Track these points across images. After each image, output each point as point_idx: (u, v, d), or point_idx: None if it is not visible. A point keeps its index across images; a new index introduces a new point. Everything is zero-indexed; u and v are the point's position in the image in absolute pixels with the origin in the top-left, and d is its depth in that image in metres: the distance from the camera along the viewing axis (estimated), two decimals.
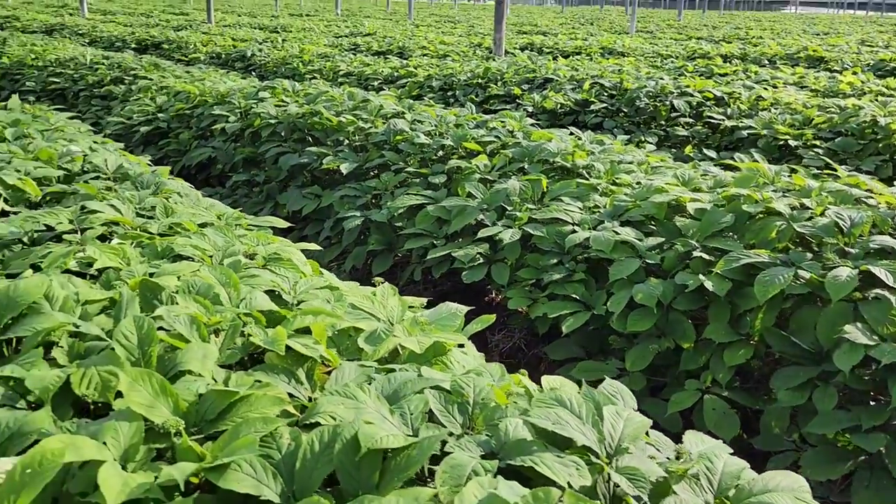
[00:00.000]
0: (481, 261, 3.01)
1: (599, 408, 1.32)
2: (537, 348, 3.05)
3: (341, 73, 8.38)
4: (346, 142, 4.29)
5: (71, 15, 21.33)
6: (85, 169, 3.08)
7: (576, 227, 2.89)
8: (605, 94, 5.90)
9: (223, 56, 10.42)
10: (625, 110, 5.61)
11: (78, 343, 1.46)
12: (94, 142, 3.71)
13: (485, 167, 3.51)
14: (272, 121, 4.57)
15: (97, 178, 2.97)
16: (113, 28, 14.35)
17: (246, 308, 1.76)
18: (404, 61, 8.64)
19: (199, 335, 1.50)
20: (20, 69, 8.69)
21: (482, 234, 2.97)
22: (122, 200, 2.58)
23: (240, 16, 24.74)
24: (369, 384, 1.47)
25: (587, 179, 3.32)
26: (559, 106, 5.80)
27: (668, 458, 1.41)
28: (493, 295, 3.51)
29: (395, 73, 7.93)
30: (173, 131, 5.46)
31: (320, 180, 4.24)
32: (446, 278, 3.54)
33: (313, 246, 2.49)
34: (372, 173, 4.05)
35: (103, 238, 2.30)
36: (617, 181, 3.31)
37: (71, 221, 2.25)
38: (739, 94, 5.73)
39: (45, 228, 2.36)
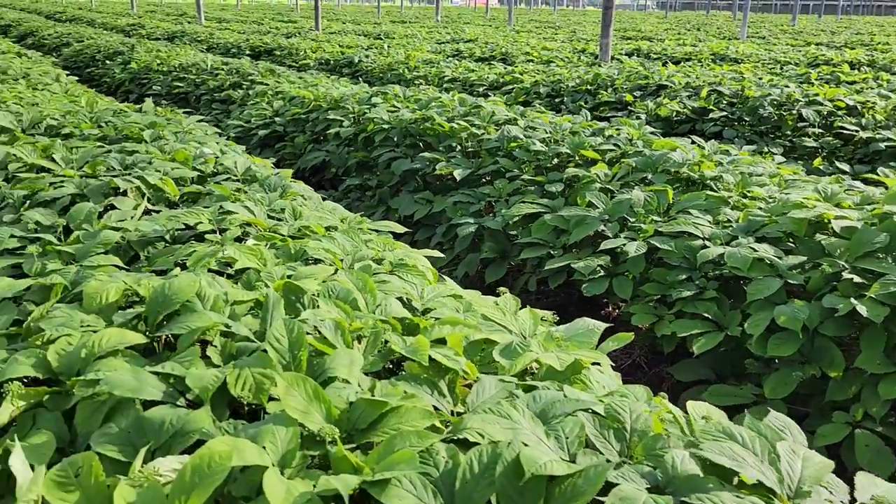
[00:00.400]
0: (602, 273, 2.90)
1: (773, 444, 1.21)
2: (659, 367, 2.91)
3: (446, 78, 8.43)
4: (459, 147, 4.28)
5: (189, 23, 22.59)
6: (216, 170, 3.20)
7: (706, 242, 2.74)
8: (725, 101, 5.63)
9: (331, 62, 10.71)
10: (746, 119, 5.34)
11: (230, 343, 1.49)
12: (217, 143, 3.86)
13: (605, 176, 3.40)
14: (385, 126, 4.63)
15: (228, 179, 3.07)
16: (228, 35, 15.06)
17: (382, 314, 1.75)
18: (509, 67, 8.59)
19: (344, 341, 1.50)
20: (147, 74, 9.25)
21: (605, 245, 2.87)
22: (255, 202, 2.65)
23: (344, 23, 25.45)
24: (514, 400, 1.42)
25: (716, 192, 3.15)
26: (674, 114, 5.58)
27: (842, 503, 1.29)
28: (610, 309, 3.40)
29: (501, 79, 7.89)
30: (289, 135, 5.63)
31: (432, 185, 4.24)
32: (560, 289, 3.45)
33: (436, 253, 2.47)
34: (484, 179, 4.02)
35: (238, 239, 2.37)
36: (748, 194, 3.12)
37: (211, 221, 2.32)
38: (874, 103, 5.34)
39: (183, 227, 2.46)
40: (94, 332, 1.57)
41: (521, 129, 4.15)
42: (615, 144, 3.78)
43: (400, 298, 1.97)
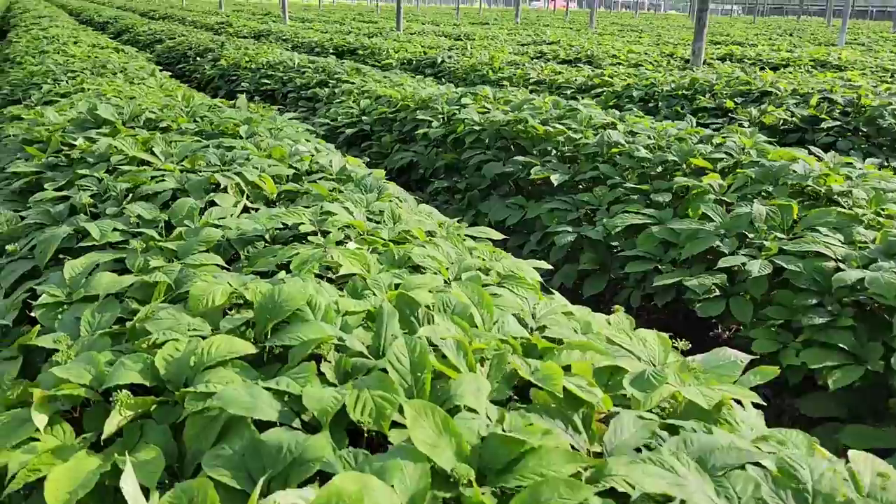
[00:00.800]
0: (717, 293, 2.68)
1: None
2: (780, 399, 2.66)
3: (532, 80, 8.24)
4: (554, 152, 4.10)
5: (274, 22, 23.14)
6: (312, 168, 3.13)
7: (840, 264, 2.48)
8: (837, 110, 5.24)
9: (414, 62, 10.68)
10: (863, 130, 4.95)
11: (344, 359, 1.37)
12: (309, 140, 3.81)
13: (719, 187, 3.16)
14: (476, 127, 4.49)
15: (323, 178, 2.99)
16: (312, 34, 15.29)
17: (499, 332, 1.61)
18: (597, 70, 8.33)
19: (467, 363, 1.36)
20: (235, 71, 9.43)
21: (723, 263, 2.64)
22: (353, 203, 2.55)
23: (423, 24, 25.56)
24: (660, 443, 1.25)
25: (846, 208, 2.87)
26: (781, 122, 5.24)
27: None
28: (719, 330, 3.16)
29: (589, 82, 7.65)
30: (375, 134, 5.57)
31: (524, 190, 4.08)
32: (665, 306, 3.23)
33: (542, 264, 2.31)
34: (581, 185, 3.83)
35: (339, 242, 2.27)
36: (884, 212, 2.83)
37: (312, 222, 2.24)
38: None
39: (282, 226, 2.38)
40: (202, 337, 1.49)
41: (621, 133, 3.93)
42: (727, 153, 3.52)
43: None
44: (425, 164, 4.71)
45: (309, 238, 2.16)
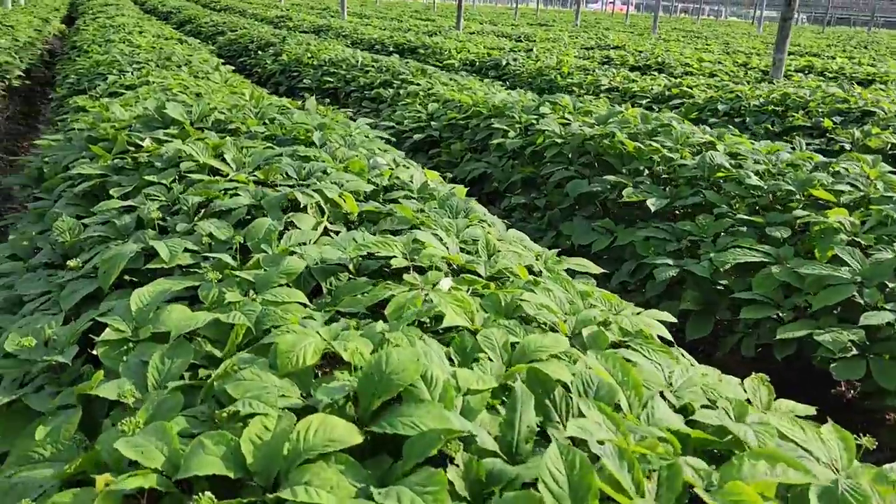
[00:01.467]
0: (854, 352, 2.32)
1: None
2: None
3: (603, 87, 7.87)
4: (646, 172, 3.77)
5: (332, 17, 23.13)
6: (392, 184, 2.87)
7: None
8: None
9: (477, 63, 10.39)
10: None
11: (476, 463, 1.09)
12: (382, 149, 3.55)
13: (850, 226, 2.79)
14: (558, 140, 4.18)
15: (406, 196, 2.73)
16: (372, 31, 15.14)
17: (649, 421, 1.31)
18: (675, 79, 7.91)
19: (634, 479, 1.06)
20: (297, 66, 9.29)
21: (866, 319, 2.28)
22: (444, 231, 2.28)
23: (481, 23, 25.25)
24: None
25: None
26: (889, 146, 4.79)
27: None
28: (842, 387, 2.79)
29: (667, 92, 7.25)
30: (444, 141, 5.30)
31: (612, 212, 3.76)
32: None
33: (668, 317, 1.99)
34: (679, 212, 3.49)
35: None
36: None
37: (405, 255, 1.97)
38: None
39: (365, 254, 2.12)
40: (295, 411, 1.23)
41: (723, 156, 3.57)
42: (851, 184, 3.14)
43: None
44: (499, 176, 4.42)
45: (404, 276, 1.89)
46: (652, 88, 7.39)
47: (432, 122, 5.45)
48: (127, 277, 2.07)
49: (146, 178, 2.73)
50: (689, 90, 7.12)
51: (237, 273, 1.89)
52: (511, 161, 4.46)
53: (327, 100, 7.88)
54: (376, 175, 2.86)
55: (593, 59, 11.64)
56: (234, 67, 11.44)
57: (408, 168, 3.07)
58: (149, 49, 8.24)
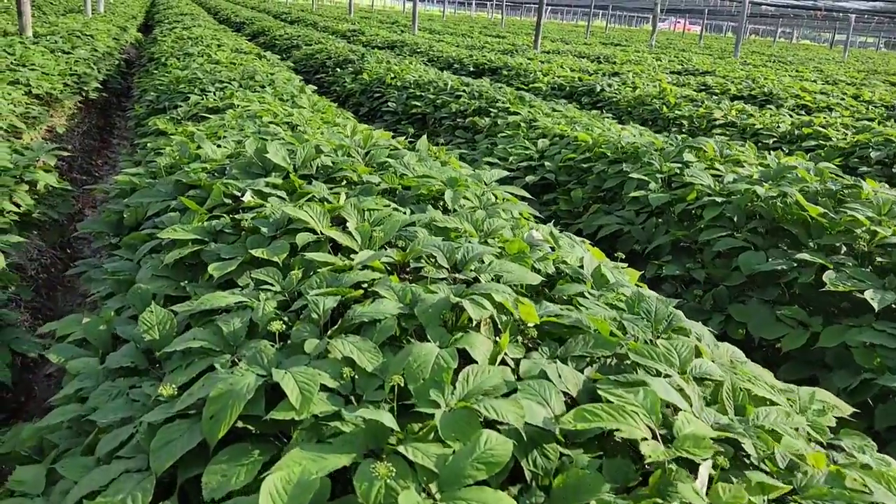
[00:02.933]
0: None
1: None
2: None
3: (717, 122, 7.10)
4: (844, 249, 3.04)
5: (403, 31, 22.82)
6: (559, 270, 2.23)
7: None
8: None
9: (567, 88, 9.72)
10: None
11: None
12: (534, 221, 2.92)
13: None
14: (717, 199, 3.48)
15: (585, 295, 2.08)
16: (447, 48, 14.64)
17: None
18: (803, 115, 7.08)
19: None
20: (379, 87, 8.79)
21: None
22: (667, 360, 1.63)
23: (553, 41, 24.58)
24: None
25: None
26: None
27: None
28: None
29: (796, 131, 6.44)
30: (562, 186, 4.66)
31: (801, 298, 3.04)
32: None
33: None
34: None
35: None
36: None
37: (655, 433, 1.32)
38: None
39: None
40: None
41: None
42: None
43: None
44: (639, 236, 3.74)
45: (647, 455, 1.24)
46: (778, 126, 6.59)
47: (546, 162, 4.81)
48: (241, 425, 1.48)
49: (253, 252, 2.16)
50: (824, 130, 6.30)
51: (406, 452, 1.27)
52: (654, 219, 3.77)
53: (415, 126, 7.34)
54: (539, 258, 2.23)
55: (688, 86, 10.84)
56: (309, 82, 11.08)
57: (572, 247, 2.43)
58: (229, 65, 7.86)
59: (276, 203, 2.67)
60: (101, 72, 9.88)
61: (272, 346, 1.67)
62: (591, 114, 6.36)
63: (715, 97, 9.09)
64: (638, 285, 2.40)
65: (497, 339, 1.69)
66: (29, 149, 4.83)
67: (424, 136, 3.87)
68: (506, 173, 3.04)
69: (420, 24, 29.36)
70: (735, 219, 3.42)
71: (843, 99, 9.68)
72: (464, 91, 7.47)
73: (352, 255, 2.17)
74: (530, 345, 1.79)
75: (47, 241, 4.40)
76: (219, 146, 3.74)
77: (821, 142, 6.09)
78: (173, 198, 3.03)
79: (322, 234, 2.26)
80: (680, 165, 4.01)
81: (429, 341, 1.61)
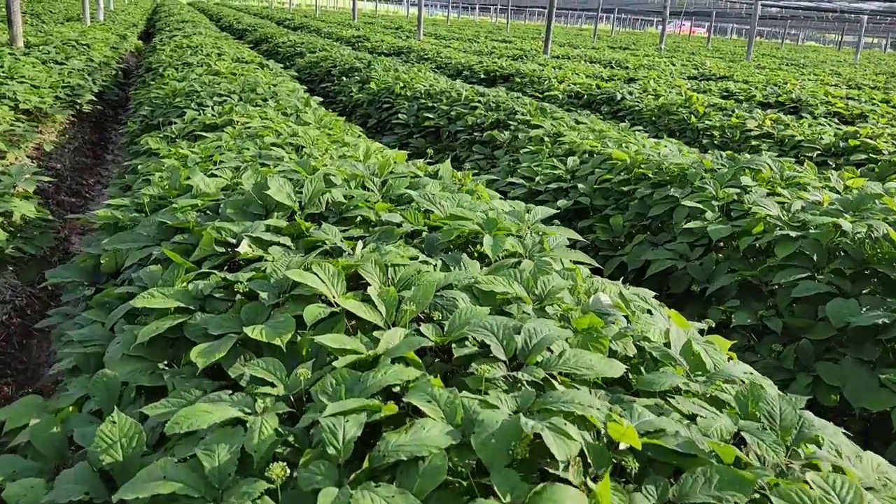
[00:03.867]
0: None
1: None
2: None
3: (753, 134, 6.60)
4: None
5: (408, 36, 22.37)
6: (640, 348, 1.75)
7: None
8: None
9: (585, 96, 9.24)
10: None
11: None
12: (598, 280, 2.44)
13: None
14: (791, 233, 2.99)
15: (681, 390, 1.60)
16: (455, 54, 14.17)
17: None
18: (847, 127, 6.57)
19: None
20: (388, 97, 8.32)
21: None
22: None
23: (561, 45, 24.11)
24: None
25: None
26: None
27: None
28: None
29: (841, 143, 5.94)
30: (597, 212, 4.17)
31: None
32: None
33: None
34: None
35: None
36: None
37: None
38: None
39: None
40: None
41: None
42: None
43: None
44: (696, 274, 3.25)
45: None
46: (821, 137, 6.09)
47: (578, 184, 4.32)
48: None
49: (248, 331, 1.68)
50: (872, 141, 5.80)
51: None
52: (713, 254, 3.28)
53: (427, 139, 6.86)
54: (615, 335, 1.74)
55: (710, 92, 10.35)
56: (315, 93, 10.62)
57: (647, 313, 1.94)
58: (229, 76, 7.40)
59: (279, 255, 2.19)
60: (96, 83, 9.44)
61: (271, 488, 1.19)
62: (621, 127, 5.88)
63: (741, 104, 8.58)
64: (730, 358, 1.92)
65: (587, 480, 1.20)
66: (6, 174, 4.36)
67: (448, 162, 3.39)
68: (552, 212, 2.55)
69: (425, 30, 28.94)
70: (814, 257, 2.92)
71: (875, 105, 9.18)
72: (479, 102, 6.99)
73: (375, 332, 1.69)
74: (629, 480, 1.30)
75: (23, 278, 3.93)
76: (213, 174, 3.27)
77: (871, 155, 5.60)
78: (157, 243, 2.56)
79: (337, 304, 1.78)
80: (738, 190, 3.52)
81: (495, 496, 1.12)
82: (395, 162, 3.24)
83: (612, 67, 15.17)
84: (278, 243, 2.29)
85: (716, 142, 6.77)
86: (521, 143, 5.64)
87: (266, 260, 2.15)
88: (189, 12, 27.25)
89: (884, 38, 63.11)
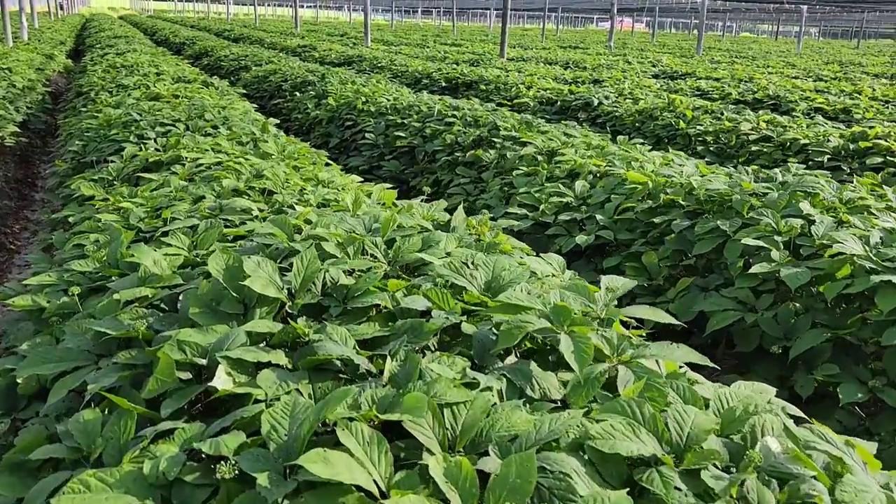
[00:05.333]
0: None
1: None
2: None
3: (750, 138, 6.14)
4: None
5: (355, 45, 21.60)
6: None
7: None
8: None
9: (558, 102, 8.70)
10: None
11: None
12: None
13: None
14: (893, 279, 2.44)
15: None
16: (412, 62, 13.51)
17: None
18: (855, 127, 6.16)
19: None
20: (350, 113, 7.61)
21: None
22: None
23: (512, 47, 23.68)
24: None
25: None
26: None
27: None
28: None
29: (851, 146, 5.51)
30: (623, 245, 3.58)
31: None
32: None
33: None
34: None
35: None
36: None
37: None
38: None
39: None
40: None
41: None
42: None
43: None
44: (772, 330, 2.67)
45: None
46: (828, 140, 5.65)
47: (597, 215, 3.72)
48: None
49: None
50: (884, 142, 5.38)
51: None
52: (790, 304, 2.71)
53: (401, 161, 6.19)
54: None
55: (683, 92, 9.94)
56: (264, 110, 9.82)
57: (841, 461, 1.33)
58: (171, 99, 6.59)
59: (273, 386, 1.52)
60: (19, 111, 8.47)
61: None
62: (622, 140, 5.32)
63: (716, 104, 8.15)
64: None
65: None
66: None
67: (461, 208, 2.74)
68: (632, 284, 1.92)
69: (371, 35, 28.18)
70: None
71: (856, 98, 8.90)
72: (455, 116, 6.35)
73: None
74: None
75: None
76: (164, 242, 2.55)
77: (888, 158, 5.17)
78: (94, 360, 1.84)
79: (383, 498, 1.12)
80: (800, 221, 2.97)
81: None
82: (398, 214, 2.57)
83: (570, 69, 14.76)
84: (269, 364, 1.61)
85: (711, 148, 6.29)
86: (512, 164, 5.03)
87: (258, 400, 1.47)
88: (121, 27, 25.88)
89: (816, 27, 65.11)
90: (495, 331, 1.79)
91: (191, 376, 1.65)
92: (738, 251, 2.97)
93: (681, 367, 1.68)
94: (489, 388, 1.50)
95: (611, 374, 1.61)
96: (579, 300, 1.85)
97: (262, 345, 1.73)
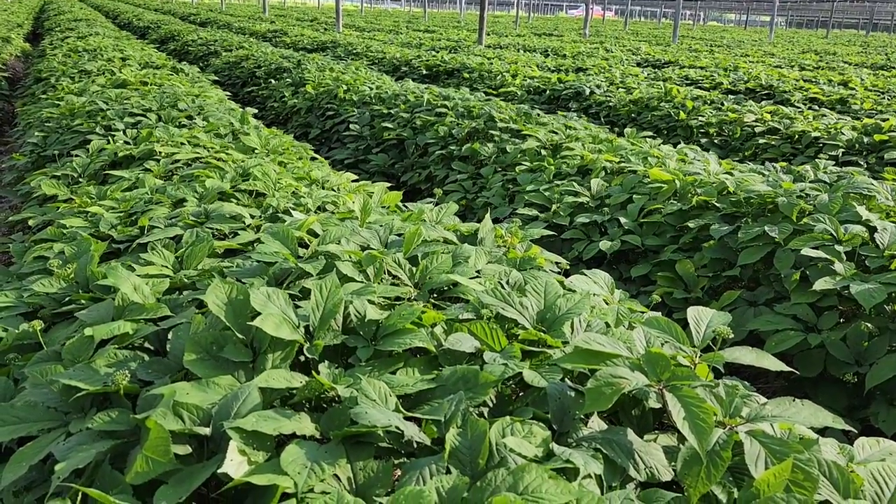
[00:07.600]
0: None
1: None
2: None
3: (756, 130, 5.87)
4: None
5: (326, 30, 20.99)
6: None
7: None
8: None
9: (547, 91, 8.35)
10: None
11: None
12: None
13: None
14: None
15: None
16: (388, 48, 13.04)
17: None
18: (864, 119, 5.92)
19: None
20: (330, 102, 7.17)
21: None
22: None
23: (487, 34, 23.23)
24: None
25: None
26: None
27: None
28: None
29: (865, 139, 5.26)
30: (652, 251, 3.26)
31: None
32: None
33: None
34: None
35: None
36: None
37: None
38: None
39: None
40: None
41: None
42: None
43: None
44: (841, 355, 2.36)
45: None
46: (841, 132, 5.40)
47: (620, 217, 3.39)
48: None
49: None
50: None
51: None
52: (861, 324, 2.40)
53: (390, 154, 5.79)
54: None
55: (672, 80, 9.67)
56: (237, 98, 9.31)
57: None
58: (139, 86, 6.10)
59: (303, 472, 1.15)
60: None
61: None
62: (630, 132, 4.99)
63: (725, 96, 7.90)
64: None
65: None
66: None
67: (488, 217, 2.38)
68: (727, 318, 1.57)
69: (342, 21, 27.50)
70: None
71: (847, 87, 8.73)
72: (446, 107, 5.97)
73: None
74: None
75: None
76: (142, 259, 2.15)
77: None
78: (63, 423, 1.45)
79: None
80: (861, 228, 2.67)
81: None
82: (419, 223, 2.20)
83: (550, 56, 14.44)
84: (293, 435, 1.24)
85: (714, 141, 6.02)
86: (513, 158, 4.68)
87: (286, 494, 1.10)
88: (82, 9, 24.79)
89: (783, 16, 65.82)
90: (570, 383, 1.44)
91: (190, 450, 1.27)
92: (791, 261, 2.66)
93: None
94: (589, 476, 1.15)
95: (725, 441, 1.27)
96: (669, 341, 1.51)
97: (278, 405, 1.36)
